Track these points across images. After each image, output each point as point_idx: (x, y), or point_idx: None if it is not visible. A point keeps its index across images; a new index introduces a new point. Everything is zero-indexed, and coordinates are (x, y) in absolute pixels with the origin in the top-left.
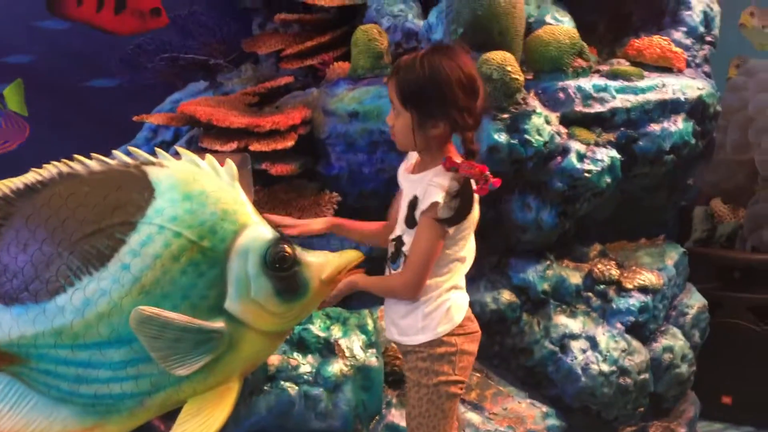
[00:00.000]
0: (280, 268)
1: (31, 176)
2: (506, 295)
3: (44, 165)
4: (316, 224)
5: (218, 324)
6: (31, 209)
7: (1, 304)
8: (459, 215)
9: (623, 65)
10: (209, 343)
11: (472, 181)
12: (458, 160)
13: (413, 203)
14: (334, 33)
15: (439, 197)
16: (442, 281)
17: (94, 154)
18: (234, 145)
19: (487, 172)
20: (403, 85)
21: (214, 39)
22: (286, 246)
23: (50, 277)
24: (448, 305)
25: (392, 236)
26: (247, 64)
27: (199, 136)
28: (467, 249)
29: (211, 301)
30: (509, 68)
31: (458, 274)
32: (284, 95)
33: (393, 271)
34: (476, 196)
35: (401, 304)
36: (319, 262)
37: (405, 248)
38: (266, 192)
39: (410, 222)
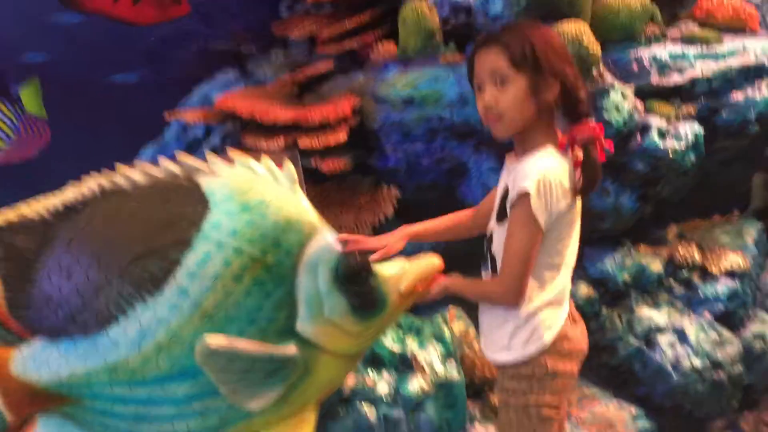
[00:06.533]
0: (355, 282)
1: (70, 194)
2: (583, 289)
3: (83, 179)
4: (396, 243)
5: (290, 349)
6: (72, 232)
7: (46, 339)
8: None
9: (691, 28)
10: (282, 372)
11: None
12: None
13: (505, 194)
14: (374, 11)
15: (530, 185)
16: (535, 294)
17: (137, 163)
18: (281, 141)
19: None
20: (515, 47)
21: (239, 25)
22: (359, 256)
23: (100, 306)
24: (536, 323)
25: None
26: (277, 50)
27: (239, 132)
28: (568, 252)
29: (280, 324)
30: (585, 41)
31: (556, 285)
32: (320, 81)
33: (484, 274)
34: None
35: (493, 314)
36: (396, 273)
37: (493, 248)
38: (317, 191)
39: (500, 215)
